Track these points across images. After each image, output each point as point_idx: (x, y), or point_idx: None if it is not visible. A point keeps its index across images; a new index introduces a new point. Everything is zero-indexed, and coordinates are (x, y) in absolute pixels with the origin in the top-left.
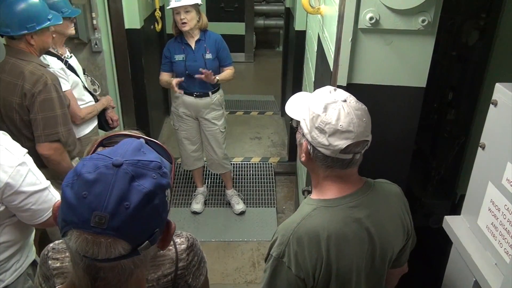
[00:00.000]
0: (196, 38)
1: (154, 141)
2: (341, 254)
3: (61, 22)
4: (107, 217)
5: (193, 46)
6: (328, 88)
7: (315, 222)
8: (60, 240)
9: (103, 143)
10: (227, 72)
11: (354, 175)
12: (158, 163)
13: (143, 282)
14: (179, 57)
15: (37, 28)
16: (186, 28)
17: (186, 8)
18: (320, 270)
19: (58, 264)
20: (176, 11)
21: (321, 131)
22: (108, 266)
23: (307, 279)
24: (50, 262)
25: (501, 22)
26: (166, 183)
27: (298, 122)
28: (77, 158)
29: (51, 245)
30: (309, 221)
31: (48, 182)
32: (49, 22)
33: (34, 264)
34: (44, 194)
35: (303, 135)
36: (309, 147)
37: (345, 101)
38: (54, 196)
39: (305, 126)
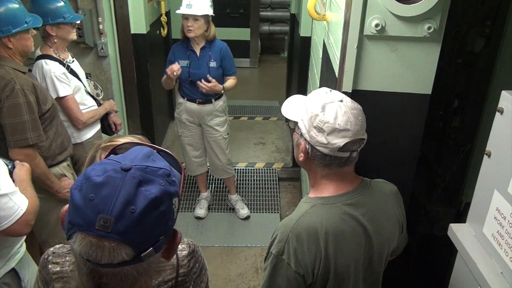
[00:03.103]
0: (202, 45)
1: (165, 151)
2: (339, 250)
3: (39, 25)
4: (112, 220)
5: (198, 52)
6: (324, 89)
7: (313, 218)
8: (61, 245)
9: (115, 151)
10: (231, 81)
11: (351, 174)
12: (166, 170)
13: None
14: (183, 63)
15: (13, 31)
16: (190, 34)
17: (195, 16)
18: (319, 266)
19: (58, 269)
20: (185, 16)
21: (320, 130)
22: (111, 272)
23: (306, 276)
24: (50, 266)
25: (507, 30)
26: (174, 191)
27: (295, 123)
28: (65, 164)
29: (51, 249)
30: (307, 218)
31: (14, 189)
32: (25, 25)
33: (15, 273)
34: (2, 201)
35: (301, 135)
36: (307, 147)
37: (341, 101)
38: (16, 204)
39: (303, 126)
